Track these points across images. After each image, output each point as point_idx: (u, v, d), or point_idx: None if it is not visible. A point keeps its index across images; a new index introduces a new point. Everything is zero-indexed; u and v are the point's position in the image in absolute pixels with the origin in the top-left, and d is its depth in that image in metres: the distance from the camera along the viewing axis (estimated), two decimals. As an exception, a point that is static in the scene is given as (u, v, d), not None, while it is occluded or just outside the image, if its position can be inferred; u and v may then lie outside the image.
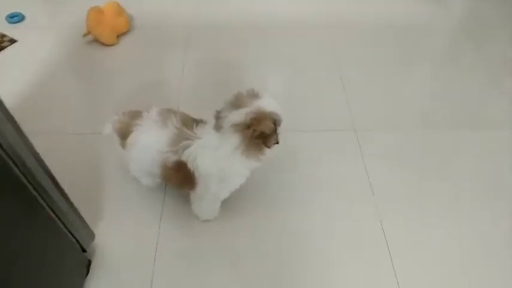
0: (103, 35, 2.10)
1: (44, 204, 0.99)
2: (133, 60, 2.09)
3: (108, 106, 1.81)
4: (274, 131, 1.14)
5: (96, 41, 2.14)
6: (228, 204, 1.37)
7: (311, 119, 1.78)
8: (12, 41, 2.14)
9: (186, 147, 1.16)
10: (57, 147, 1.62)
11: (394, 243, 1.36)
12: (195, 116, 1.28)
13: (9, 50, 2.10)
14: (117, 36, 2.18)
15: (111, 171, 1.55)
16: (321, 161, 1.61)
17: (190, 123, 1.22)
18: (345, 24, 2.33)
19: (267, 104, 1.13)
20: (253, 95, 1.15)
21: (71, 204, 1.12)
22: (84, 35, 2.11)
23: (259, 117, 1.10)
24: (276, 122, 1.14)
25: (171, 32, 2.25)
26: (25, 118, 1.69)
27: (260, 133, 1.10)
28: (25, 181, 0.91)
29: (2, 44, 2.11)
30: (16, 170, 0.87)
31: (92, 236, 1.26)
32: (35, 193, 0.95)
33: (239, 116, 1.10)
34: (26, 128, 1.60)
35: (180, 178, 1.23)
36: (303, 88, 1.93)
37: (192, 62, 2.06)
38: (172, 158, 1.18)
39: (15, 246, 0.89)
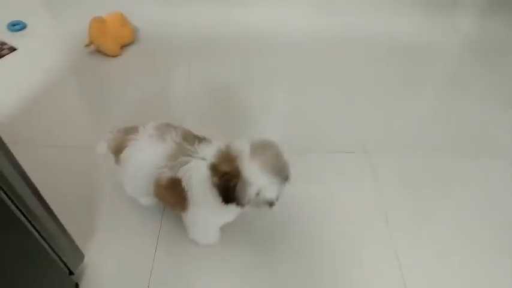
0: (106, 45, 2.04)
1: (26, 222, 0.90)
2: (137, 72, 2.02)
3: (109, 119, 1.73)
4: (227, 186, 0.97)
5: (99, 51, 2.08)
6: (232, 227, 1.27)
7: (320, 139, 1.69)
8: (12, 49, 2.08)
9: (184, 163, 1.07)
10: (51, 160, 1.54)
11: (408, 272, 1.26)
12: (199, 132, 1.19)
13: (9, 58, 2.04)
14: (121, 47, 2.12)
15: (107, 188, 1.45)
16: (330, 183, 1.51)
17: (192, 139, 1.13)
18: (353, 42, 2.27)
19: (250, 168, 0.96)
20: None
21: (58, 222, 1.02)
22: (86, 45, 2.05)
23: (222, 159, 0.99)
24: (237, 173, 0.95)
25: (177, 44, 2.20)
26: (19, 129, 1.66)
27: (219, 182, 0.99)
28: (5, 197, 0.81)
29: (2, 52, 2.05)
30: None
31: (81, 257, 1.16)
32: (15, 210, 0.86)
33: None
34: (19, 138, 1.52)
35: (173, 197, 1.13)
36: (311, 106, 1.85)
37: (197, 76, 1.99)
38: (167, 174, 1.08)
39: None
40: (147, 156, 1.12)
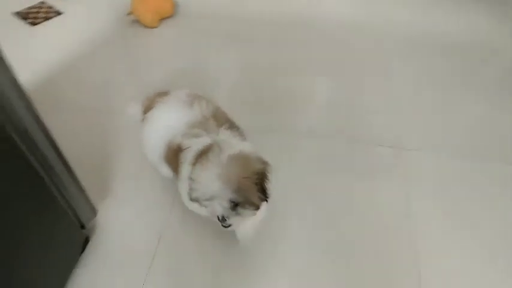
0: (144, 16, 2.09)
1: (43, 173, 0.95)
2: (171, 47, 2.05)
3: (135, 88, 1.78)
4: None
5: (138, 21, 2.13)
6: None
7: (358, 130, 1.63)
8: (58, 13, 2.17)
9: (195, 136, 1.04)
10: (79, 121, 1.61)
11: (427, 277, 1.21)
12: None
13: (54, 21, 2.13)
14: (160, 20, 2.16)
15: (129, 153, 1.50)
16: (359, 174, 1.47)
17: (221, 121, 1.09)
18: (409, 37, 2.16)
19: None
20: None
21: (74, 177, 1.08)
22: (128, 14, 2.11)
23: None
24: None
25: (217, 23, 2.20)
26: (55, 88, 1.74)
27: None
28: (24, 148, 0.86)
29: (48, 15, 2.14)
30: (14, 135, 0.83)
31: (93, 213, 1.22)
32: (33, 160, 0.91)
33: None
34: (53, 97, 1.59)
35: (174, 163, 1.11)
36: (350, 96, 1.79)
37: (233, 58, 1.97)
38: (178, 140, 1.07)
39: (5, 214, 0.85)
40: (169, 119, 1.13)
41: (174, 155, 1.09)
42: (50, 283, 1.07)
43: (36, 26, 2.09)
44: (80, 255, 1.19)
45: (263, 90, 1.80)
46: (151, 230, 1.28)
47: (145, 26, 2.12)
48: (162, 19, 2.17)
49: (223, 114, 1.14)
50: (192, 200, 0.96)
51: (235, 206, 0.92)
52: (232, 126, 1.09)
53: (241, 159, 0.93)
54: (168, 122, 1.13)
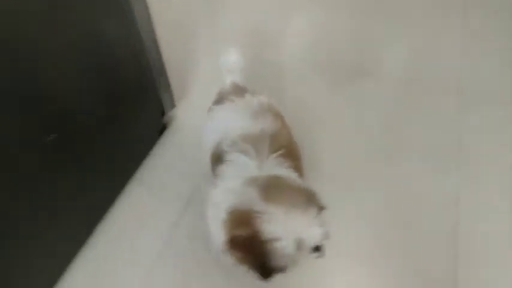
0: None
1: (146, 70, 1.16)
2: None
3: (212, 30, 1.85)
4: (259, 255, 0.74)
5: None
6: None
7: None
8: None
9: (243, 152, 0.91)
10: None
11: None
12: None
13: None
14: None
15: (213, 71, 1.47)
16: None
17: (278, 145, 0.92)
18: None
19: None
20: None
21: (165, 73, 1.27)
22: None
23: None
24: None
25: None
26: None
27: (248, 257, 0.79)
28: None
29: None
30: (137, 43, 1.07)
31: (172, 104, 1.38)
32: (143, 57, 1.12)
33: None
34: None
35: (214, 167, 1.01)
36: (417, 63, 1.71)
37: (313, 20, 1.91)
38: (224, 147, 0.95)
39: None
40: (229, 121, 1.02)
41: (215, 160, 0.99)
42: (133, 155, 1.28)
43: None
44: (157, 140, 1.36)
45: (338, 56, 1.75)
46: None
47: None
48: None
49: (284, 137, 0.99)
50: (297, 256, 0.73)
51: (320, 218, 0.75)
52: (286, 154, 0.92)
53: (273, 182, 0.81)
54: (226, 124, 1.01)
